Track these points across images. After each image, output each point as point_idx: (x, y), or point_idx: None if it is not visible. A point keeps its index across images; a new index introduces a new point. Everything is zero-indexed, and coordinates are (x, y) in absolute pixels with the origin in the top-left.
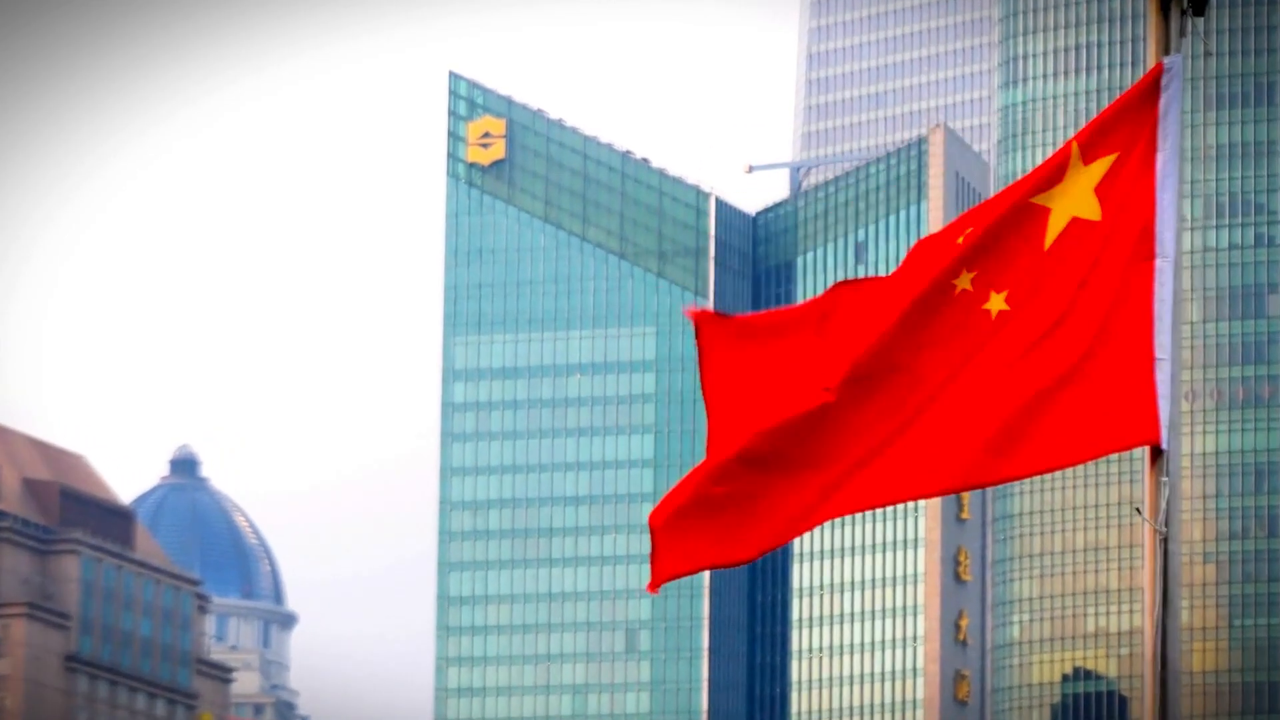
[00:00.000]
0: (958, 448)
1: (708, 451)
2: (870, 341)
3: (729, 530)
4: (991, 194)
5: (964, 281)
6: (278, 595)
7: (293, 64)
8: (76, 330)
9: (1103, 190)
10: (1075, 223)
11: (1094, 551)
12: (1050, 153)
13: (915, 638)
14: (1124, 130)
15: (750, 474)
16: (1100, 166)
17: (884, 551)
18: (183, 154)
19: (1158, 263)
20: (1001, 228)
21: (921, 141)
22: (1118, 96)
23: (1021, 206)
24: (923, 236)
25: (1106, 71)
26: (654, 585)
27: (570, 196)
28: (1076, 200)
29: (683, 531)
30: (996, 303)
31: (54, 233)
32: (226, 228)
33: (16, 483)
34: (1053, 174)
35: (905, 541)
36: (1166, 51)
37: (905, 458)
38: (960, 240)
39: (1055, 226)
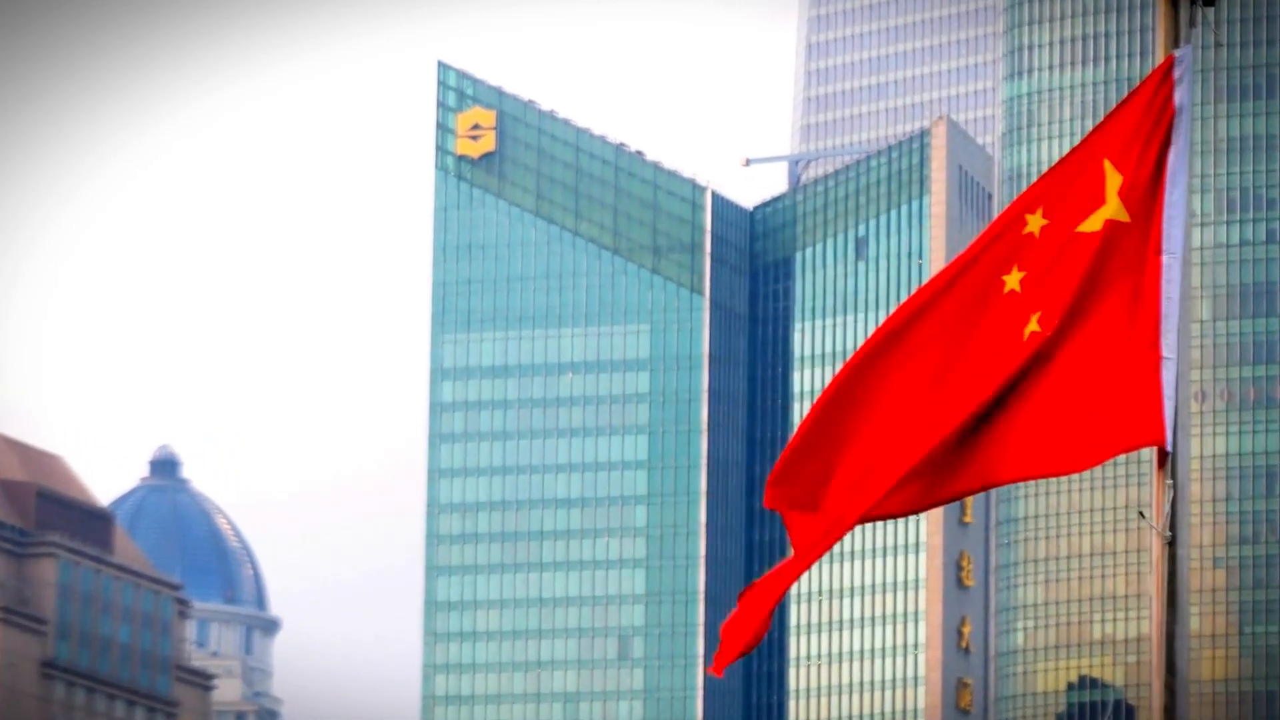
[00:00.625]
0: (982, 450)
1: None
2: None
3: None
4: (995, 188)
5: (1034, 324)
6: (260, 600)
7: (293, 64)
8: (74, 330)
9: (1124, 191)
10: (1108, 225)
11: (1100, 556)
12: (1055, 146)
13: (916, 645)
14: (1142, 131)
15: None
16: (1127, 171)
17: (884, 556)
18: (183, 154)
19: (1165, 259)
20: (1059, 263)
21: (924, 134)
22: (1126, 89)
23: (1072, 239)
24: (924, 234)
25: (1114, 62)
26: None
27: (562, 190)
28: (1111, 205)
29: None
30: (1032, 324)
31: (54, 233)
32: (225, 228)
33: None
34: (1092, 197)
35: (906, 546)
36: (1176, 42)
37: (945, 461)
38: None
39: (1099, 235)
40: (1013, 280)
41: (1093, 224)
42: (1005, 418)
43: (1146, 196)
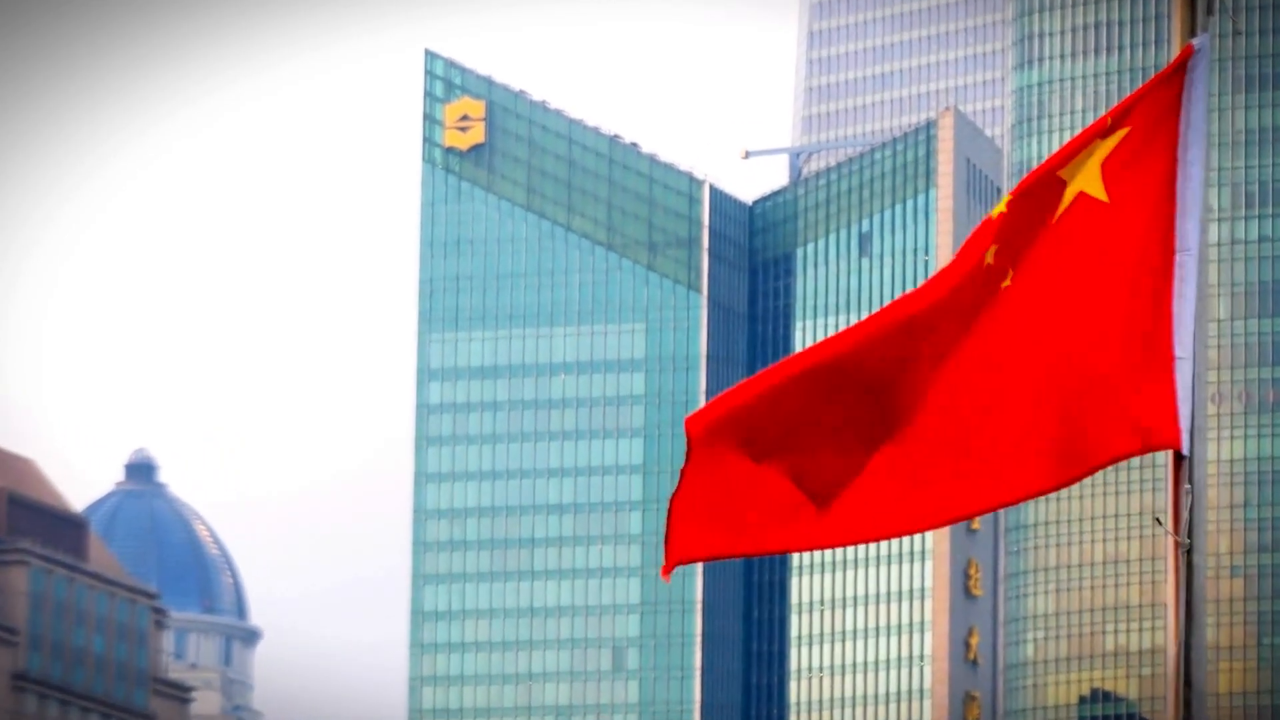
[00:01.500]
0: (978, 463)
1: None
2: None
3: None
4: (1004, 182)
5: (989, 256)
6: (240, 610)
7: (292, 63)
8: (68, 332)
9: (1109, 168)
10: (1081, 198)
11: (1113, 565)
12: (1067, 138)
13: (922, 657)
14: (1141, 108)
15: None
16: (1110, 142)
17: (889, 564)
18: (183, 154)
19: (1178, 256)
20: (1025, 204)
21: (930, 126)
22: (1140, 79)
23: (1047, 181)
24: (930, 229)
25: (1128, 51)
26: (667, 569)
27: (554, 184)
28: (1086, 174)
29: (702, 517)
30: (1008, 279)
31: (54, 233)
32: (223, 228)
33: None
34: (1079, 149)
35: (912, 554)
36: (1193, 29)
37: (923, 478)
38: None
39: (1065, 200)
40: (989, 256)
41: (1067, 174)
42: (1003, 427)
43: (1139, 183)
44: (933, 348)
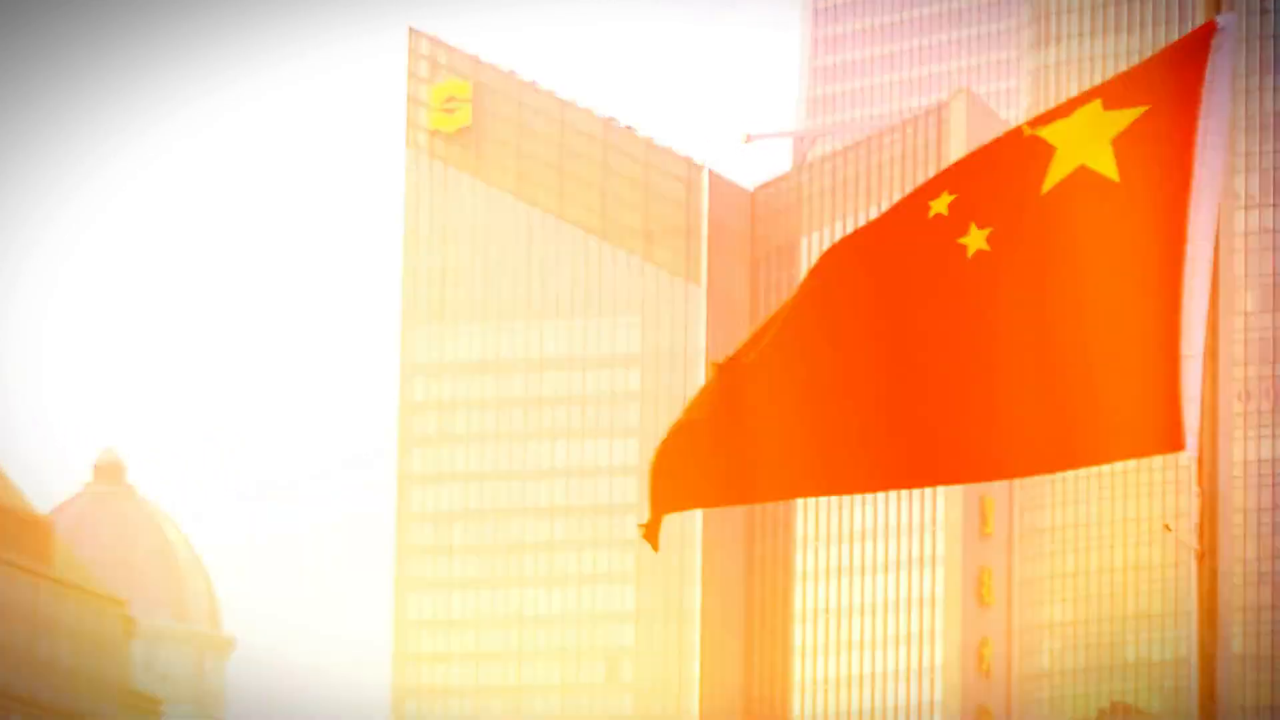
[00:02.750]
0: (957, 432)
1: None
2: (855, 302)
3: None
4: None
5: (940, 205)
6: (214, 618)
7: (293, 61)
8: (67, 330)
9: (1122, 145)
10: (1084, 172)
11: (1134, 571)
12: None
13: (932, 668)
14: (1161, 83)
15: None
16: (1125, 116)
17: (897, 571)
18: (183, 154)
19: (1189, 247)
20: (992, 156)
21: (941, 108)
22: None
23: (1021, 137)
24: None
25: (1150, 29)
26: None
27: (545, 169)
28: (1089, 147)
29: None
30: (976, 240)
31: (54, 233)
32: (224, 226)
33: None
34: (1062, 109)
35: (921, 560)
36: (1218, 5)
37: (902, 439)
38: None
39: (1059, 170)
40: (940, 205)
41: (1050, 135)
42: (987, 406)
43: (1155, 164)
44: (890, 310)
